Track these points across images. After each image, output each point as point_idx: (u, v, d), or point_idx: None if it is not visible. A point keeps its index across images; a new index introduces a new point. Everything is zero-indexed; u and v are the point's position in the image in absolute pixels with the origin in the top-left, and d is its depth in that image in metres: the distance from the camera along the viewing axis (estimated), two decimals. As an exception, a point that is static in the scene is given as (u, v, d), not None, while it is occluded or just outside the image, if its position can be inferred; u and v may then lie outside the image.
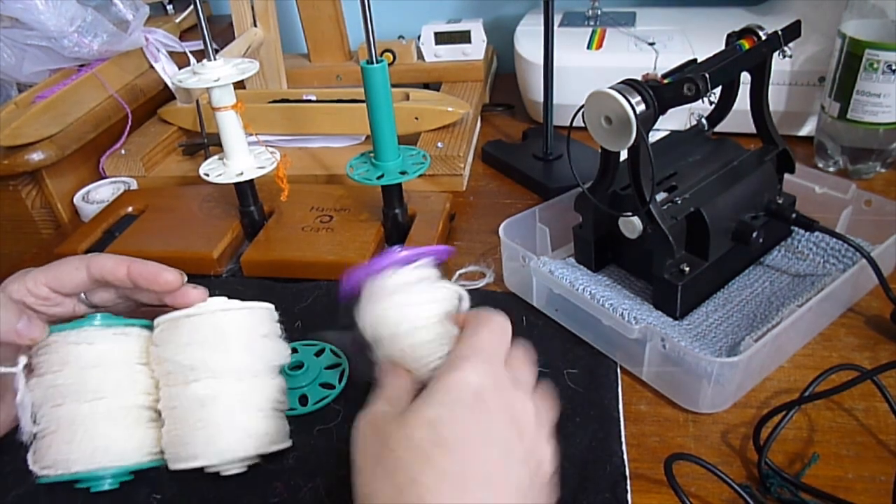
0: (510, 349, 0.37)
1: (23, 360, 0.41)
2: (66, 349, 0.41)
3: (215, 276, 0.64)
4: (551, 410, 0.37)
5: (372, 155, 0.62)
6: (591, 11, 0.90)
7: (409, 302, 0.38)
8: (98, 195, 0.78)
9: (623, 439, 0.45)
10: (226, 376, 0.41)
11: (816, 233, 0.56)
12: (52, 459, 0.40)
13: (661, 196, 0.52)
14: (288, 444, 0.43)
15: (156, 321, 0.43)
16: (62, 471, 0.40)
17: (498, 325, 0.37)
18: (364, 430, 0.34)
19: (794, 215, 0.55)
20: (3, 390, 0.42)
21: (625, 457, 0.44)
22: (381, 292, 0.39)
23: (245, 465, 0.42)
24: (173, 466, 0.41)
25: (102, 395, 0.41)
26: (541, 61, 0.74)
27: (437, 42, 0.95)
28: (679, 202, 0.51)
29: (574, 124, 0.51)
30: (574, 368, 0.51)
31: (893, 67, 0.65)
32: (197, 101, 0.79)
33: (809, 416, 0.46)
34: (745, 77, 0.57)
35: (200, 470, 0.43)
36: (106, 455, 0.40)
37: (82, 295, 0.45)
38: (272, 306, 0.45)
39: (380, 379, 0.38)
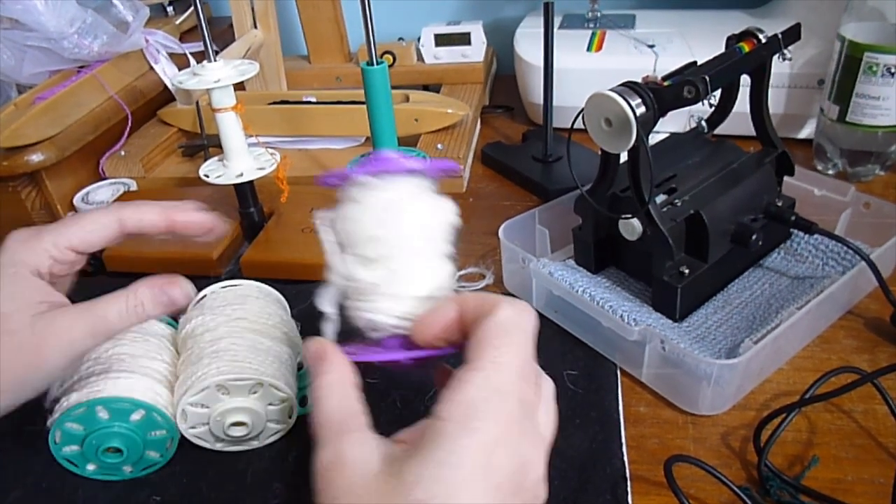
0: (532, 359, 0.31)
1: None
2: None
3: (215, 278, 0.64)
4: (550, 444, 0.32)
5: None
6: (590, 14, 0.90)
7: (411, 207, 0.33)
8: (98, 196, 0.78)
9: (623, 441, 0.45)
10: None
11: (816, 235, 0.56)
12: (76, 398, 0.42)
13: (660, 198, 0.52)
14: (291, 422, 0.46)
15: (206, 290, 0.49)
16: (85, 399, 0.41)
17: (525, 340, 0.30)
18: (344, 493, 0.27)
19: (793, 218, 0.55)
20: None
21: (625, 458, 0.44)
22: (374, 190, 0.33)
23: (281, 432, 0.46)
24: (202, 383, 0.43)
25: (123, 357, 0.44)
26: (541, 63, 0.74)
27: (437, 44, 0.95)
28: (678, 204, 0.52)
29: (574, 126, 0.51)
30: (574, 370, 0.51)
31: (892, 70, 0.66)
32: (197, 103, 0.79)
33: (809, 419, 0.46)
34: (745, 79, 0.57)
35: (201, 471, 0.43)
36: (130, 391, 0.42)
37: None
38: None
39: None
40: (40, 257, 0.35)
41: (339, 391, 0.30)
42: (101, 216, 0.38)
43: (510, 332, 0.29)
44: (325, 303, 0.34)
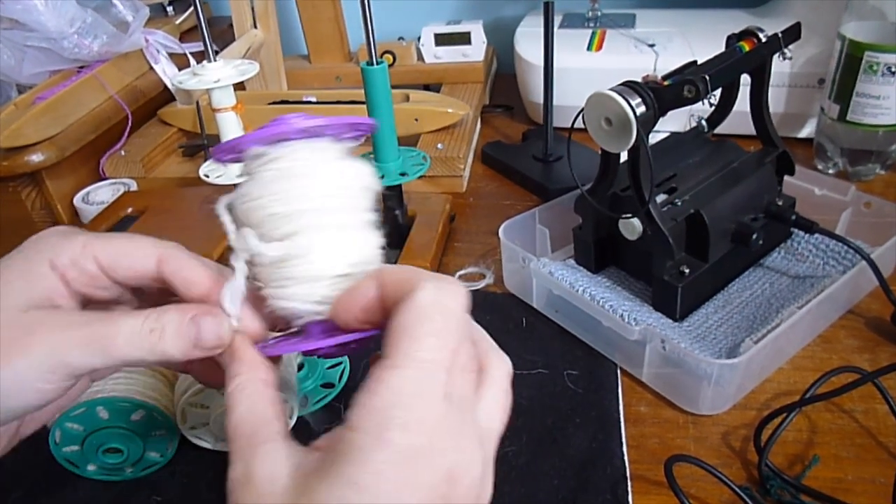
0: (466, 343, 0.27)
1: None
2: None
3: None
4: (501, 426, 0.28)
5: (372, 156, 0.62)
6: (590, 13, 0.90)
7: (310, 175, 0.28)
8: (98, 196, 0.78)
9: (623, 441, 0.45)
10: None
11: (816, 235, 0.56)
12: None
13: (660, 198, 0.52)
14: None
15: None
16: (86, 398, 0.41)
17: (451, 326, 0.26)
18: None
19: (793, 217, 0.55)
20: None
21: (625, 458, 0.44)
22: (268, 161, 0.29)
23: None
24: None
25: None
26: (541, 62, 0.74)
27: (437, 43, 0.95)
28: (679, 204, 0.52)
29: (574, 126, 0.51)
30: (574, 370, 0.51)
31: (893, 69, 0.66)
32: (197, 103, 0.79)
33: (810, 418, 0.46)
34: (745, 79, 0.57)
35: (201, 471, 0.43)
36: (130, 391, 0.42)
37: None
38: None
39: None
40: (62, 256, 0.30)
41: (250, 396, 0.27)
42: (142, 246, 0.31)
43: (431, 319, 0.25)
44: (227, 301, 0.29)
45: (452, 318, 0.26)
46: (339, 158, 0.30)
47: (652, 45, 0.82)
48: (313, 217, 0.28)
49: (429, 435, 0.24)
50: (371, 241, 0.30)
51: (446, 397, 0.25)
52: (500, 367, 0.29)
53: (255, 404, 0.27)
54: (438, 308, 0.25)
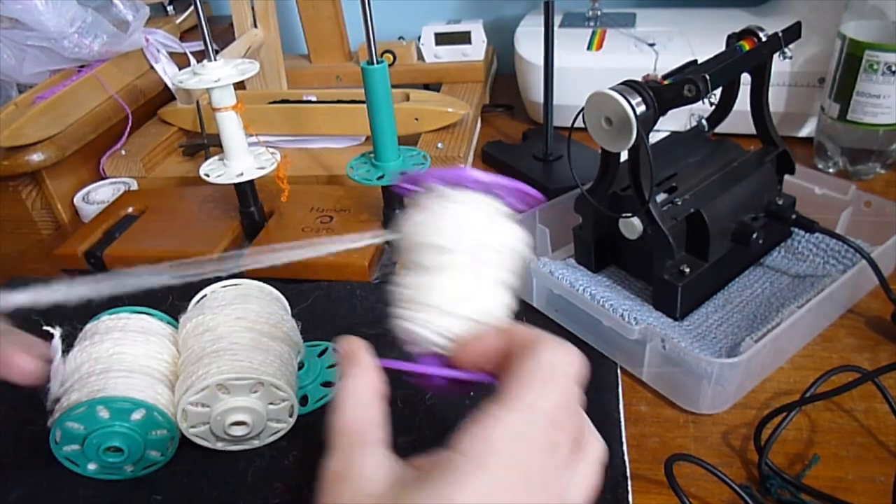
0: (573, 410, 0.29)
1: (58, 330, 0.43)
2: (110, 324, 0.46)
3: (216, 277, 0.64)
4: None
5: (372, 155, 0.62)
6: (591, 12, 0.90)
7: (478, 225, 0.32)
8: (98, 196, 0.78)
9: (624, 440, 0.45)
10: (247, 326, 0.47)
11: (816, 234, 0.56)
12: (77, 397, 0.42)
13: (660, 197, 0.52)
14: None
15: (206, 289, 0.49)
16: (86, 398, 0.41)
17: (566, 388, 0.28)
18: None
19: (793, 216, 0.55)
20: None
21: (625, 457, 0.44)
22: (445, 200, 0.32)
23: (282, 432, 0.46)
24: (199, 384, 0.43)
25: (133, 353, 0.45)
26: (541, 62, 0.74)
27: (438, 43, 0.95)
28: (679, 203, 0.52)
29: (574, 125, 0.51)
30: (574, 369, 0.51)
31: (893, 68, 0.66)
32: (197, 102, 0.79)
33: (810, 417, 0.46)
34: (746, 78, 0.57)
35: (202, 471, 0.43)
36: (130, 390, 0.42)
37: None
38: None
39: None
40: None
41: (363, 398, 0.29)
42: None
43: (550, 375, 0.27)
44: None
45: (566, 380, 0.28)
46: (501, 216, 0.32)
47: (652, 45, 0.82)
48: (466, 259, 0.31)
49: (522, 476, 0.25)
50: (502, 299, 0.33)
51: (549, 449, 0.26)
52: (597, 447, 0.31)
53: (365, 407, 0.29)
54: (558, 368, 0.28)
